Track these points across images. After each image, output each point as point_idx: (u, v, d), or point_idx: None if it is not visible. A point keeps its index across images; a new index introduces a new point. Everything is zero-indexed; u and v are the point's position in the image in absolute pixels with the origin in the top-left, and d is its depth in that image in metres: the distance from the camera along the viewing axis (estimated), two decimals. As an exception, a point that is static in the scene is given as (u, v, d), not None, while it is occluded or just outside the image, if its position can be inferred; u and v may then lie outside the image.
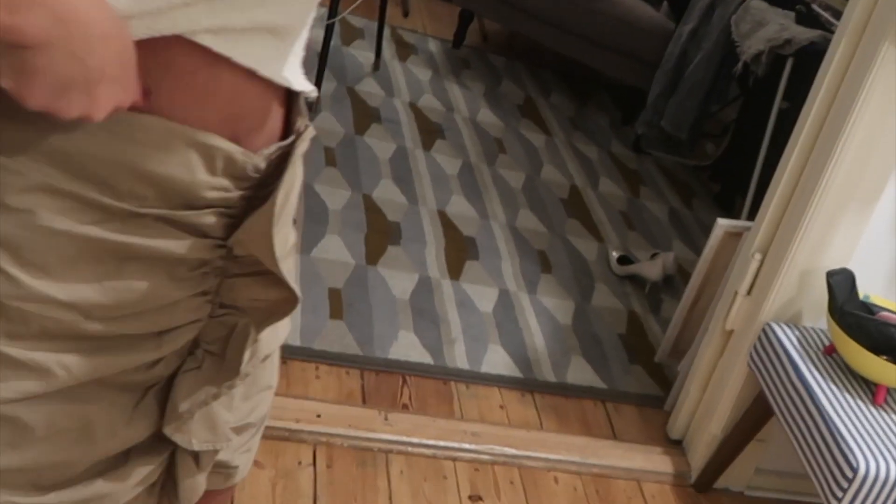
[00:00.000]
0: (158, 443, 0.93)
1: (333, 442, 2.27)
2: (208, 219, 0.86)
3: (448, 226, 3.33)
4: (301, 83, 0.91)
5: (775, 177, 2.44)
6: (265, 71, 0.84)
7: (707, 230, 3.89)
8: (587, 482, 2.42)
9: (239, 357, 0.92)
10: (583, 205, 3.81)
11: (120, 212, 0.81)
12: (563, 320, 3.03)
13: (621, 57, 4.50)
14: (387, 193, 3.38)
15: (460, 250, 3.21)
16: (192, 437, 0.92)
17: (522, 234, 3.44)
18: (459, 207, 3.47)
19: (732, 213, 4.09)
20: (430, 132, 3.95)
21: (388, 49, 4.56)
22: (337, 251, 2.97)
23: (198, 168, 0.81)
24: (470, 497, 2.25)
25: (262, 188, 0.88)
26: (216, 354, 0.93)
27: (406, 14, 5.05)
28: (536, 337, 2.91)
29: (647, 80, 4.40)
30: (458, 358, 2.70)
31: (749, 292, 2.48)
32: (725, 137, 4.54)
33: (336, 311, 2.71)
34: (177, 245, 0.84)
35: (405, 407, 2.47)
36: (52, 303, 0.79)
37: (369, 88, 4.12)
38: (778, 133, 3.65)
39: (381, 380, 2.54)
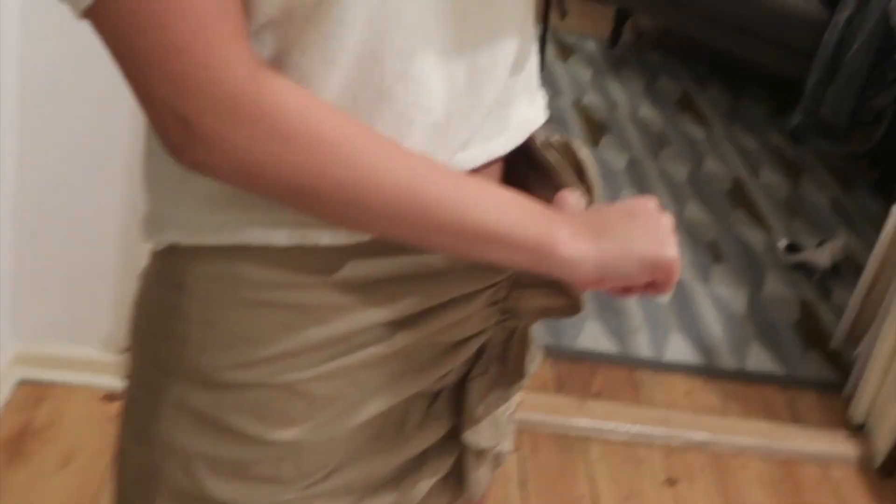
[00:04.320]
0: (448, 444, 0.94)
1: (536, 429, 2.30)
2: None
3: (621, 219, 3.31)
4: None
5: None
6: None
7: (869, 216, 3.78)
8: (774, 467, 2.38)
9: (522, 360, 0.93)
10: (746, 195, 3.73)
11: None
12: (737, 309, 2.99)
13: (775, 47, 4.38)
14: (561, 190, 3.38)
15: (634, 243, 3.19)
16: (479, 437, 0.94)
17: (691, 226, 3.40)
18: (629, 201, 3.44)
19: (893, 199, 3.95)
20: (595, 130, 3.93)
21: (549, 50, 4.55)
22: (520, 246, 2.99)
23: None
24: (666, 481, 2.25)
25: None
26: (498, 358, 0.93)
27: (564, 15, 5.01)
28: (714, 326, 2.87)
29: (802, 70, 4.27)
30: (642, 347, 2.69)
31: (932, 279, 2.40)
32: (880, 124, 4.39)
33: (525, 304, 2.72)
34: (490, 274, 0.87)
35: (597, 394, 2.48)
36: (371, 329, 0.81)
37: (536, 89, 4.12)
38: (944, 120, 3.51)
39: (572, 368, 2.55)
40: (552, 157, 0.92)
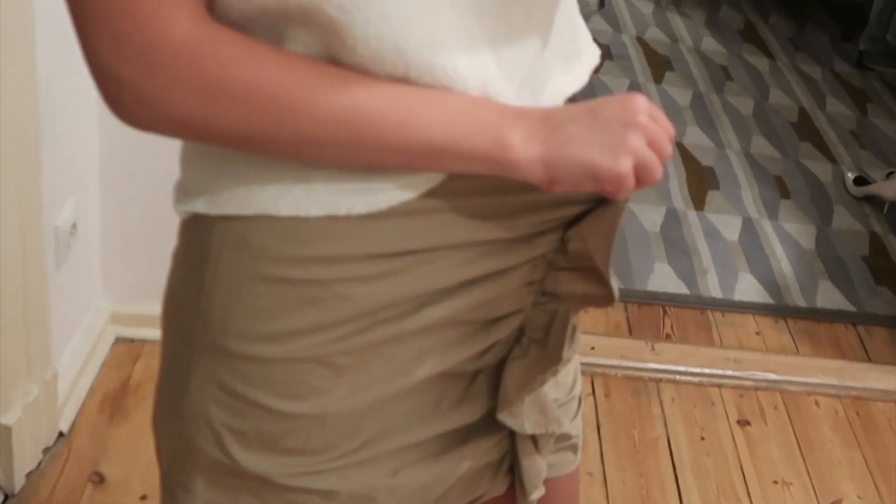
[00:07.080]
0: (495, 424, 0.93)
1: (608, 372, 2.32)
2: (569, 210, 0.86)
3: (686, 157, 3.28)
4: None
5: None
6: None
7: (940, 145, 3.70)
8: (847, 405, 2.38)
9: (561, 343, 0.90)
10: (813, 127, 3.67)
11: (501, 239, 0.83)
12: (806, 245, 2.96)
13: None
14: (627, 129, 3.35)
15: (701, 181, 3.17)
16: (524, 421, 0.93)
17: (758, 161, 3.35)
18: (695, 138, 3.41)
19: (963, 126, 3.86)
20: (658, 65, 3.88)
21: (609, -16, 4.48)
22: (588, 189, 2.98)
23: None
24: (738, 422, 2.26)
25: None
26: (539, 341, 0.91)
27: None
28: (783, 263, 2.85)
29: (867, -5, 4.16)
30: (712, 287, 2.69)
31: None
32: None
33: (595, 248, 2.73)
34: (531, 248, 0.86)
35: (668, 336, 2.49)
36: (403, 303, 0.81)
37: (598, 26, 4.07)
38: None
39: (643, 311, 2.56)
40: None
